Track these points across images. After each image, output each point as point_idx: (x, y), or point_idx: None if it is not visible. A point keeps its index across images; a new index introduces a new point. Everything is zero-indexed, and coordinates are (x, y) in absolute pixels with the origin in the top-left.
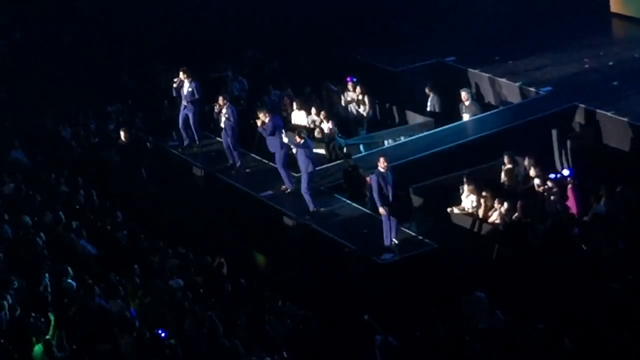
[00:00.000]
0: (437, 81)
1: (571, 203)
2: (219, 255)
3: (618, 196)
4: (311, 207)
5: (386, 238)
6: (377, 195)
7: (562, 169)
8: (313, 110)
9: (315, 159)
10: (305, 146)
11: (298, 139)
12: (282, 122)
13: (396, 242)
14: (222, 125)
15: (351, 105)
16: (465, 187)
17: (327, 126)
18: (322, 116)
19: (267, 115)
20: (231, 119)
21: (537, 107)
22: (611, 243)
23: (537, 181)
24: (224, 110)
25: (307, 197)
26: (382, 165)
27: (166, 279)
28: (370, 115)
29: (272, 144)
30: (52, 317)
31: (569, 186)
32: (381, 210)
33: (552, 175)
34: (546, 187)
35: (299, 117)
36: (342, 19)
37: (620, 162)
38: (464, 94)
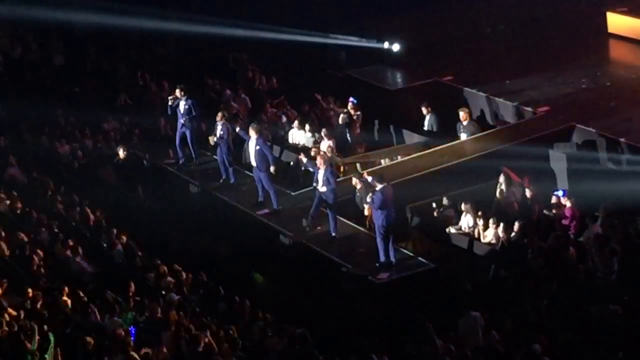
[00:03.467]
0: (434, 100)
1: (568, 223)
2: (215, 273)
3: (614, 217)
4: (333, 232)
5: (381, 255)
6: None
7: (556, 189)
8: (308, 128)
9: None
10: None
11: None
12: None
13: (394, 261)
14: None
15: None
16: (464, 207)
17: (326, 144)
18: (322, 134)
19: (256, 131)
20: (225, 136)
21: (534, 127)
22: (606, 264)
23: (533, 201)
24: (218, 127)
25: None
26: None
27: (162, 296)
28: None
29: (259, 161)
30: (51, 337)
31: (566, 206)
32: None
33: (559, 193)
34: (543, 207)
35: (298, 135)
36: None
37: (617, 183)
38: (462, 114)
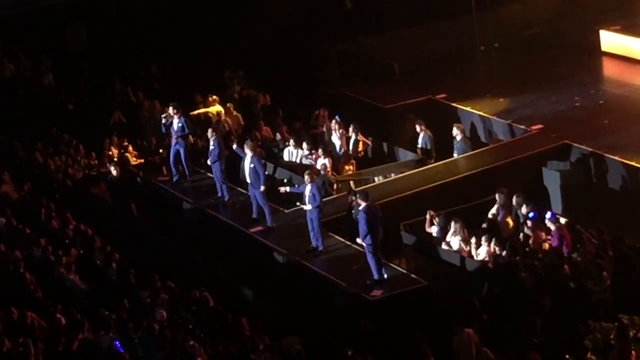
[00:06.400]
0: (427, 118)
1: (560, 241)
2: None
3: (606, 234)
4: (320, 247)
5: (375, 273)
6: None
7: (546, 209)
8: (305, 146)
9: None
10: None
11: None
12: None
13: (386, 278)
14: (209, 153)
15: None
16: (454, 224)
17: (322, 162)
18: (319, 152)
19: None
20: (217, 151)
21: (527, 145)
22: (599, 281)
23: (526, 219)
24: (211, 143)
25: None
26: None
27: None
28: (364, 152)
29: (254, 178)
30: None
31: (558, 224)
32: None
33: (530, 215)
34: (535, 225)
35: (294, 153)
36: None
37: (610, 201)
38: (455, 130)
